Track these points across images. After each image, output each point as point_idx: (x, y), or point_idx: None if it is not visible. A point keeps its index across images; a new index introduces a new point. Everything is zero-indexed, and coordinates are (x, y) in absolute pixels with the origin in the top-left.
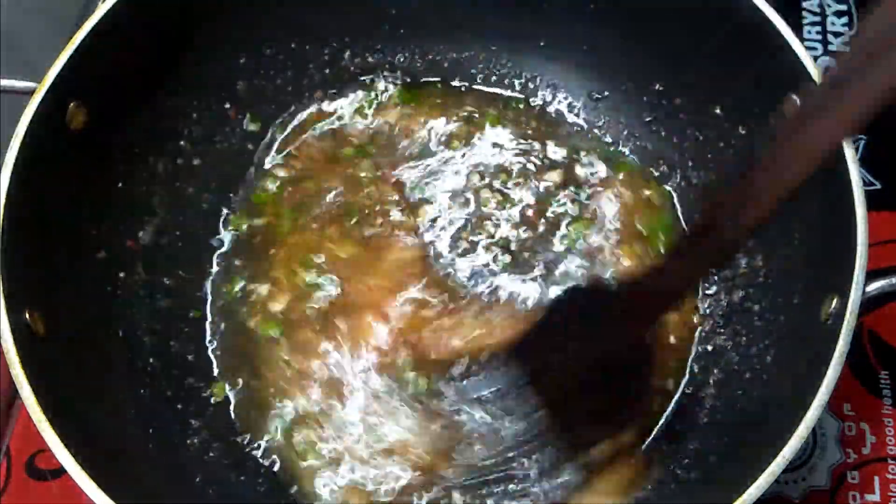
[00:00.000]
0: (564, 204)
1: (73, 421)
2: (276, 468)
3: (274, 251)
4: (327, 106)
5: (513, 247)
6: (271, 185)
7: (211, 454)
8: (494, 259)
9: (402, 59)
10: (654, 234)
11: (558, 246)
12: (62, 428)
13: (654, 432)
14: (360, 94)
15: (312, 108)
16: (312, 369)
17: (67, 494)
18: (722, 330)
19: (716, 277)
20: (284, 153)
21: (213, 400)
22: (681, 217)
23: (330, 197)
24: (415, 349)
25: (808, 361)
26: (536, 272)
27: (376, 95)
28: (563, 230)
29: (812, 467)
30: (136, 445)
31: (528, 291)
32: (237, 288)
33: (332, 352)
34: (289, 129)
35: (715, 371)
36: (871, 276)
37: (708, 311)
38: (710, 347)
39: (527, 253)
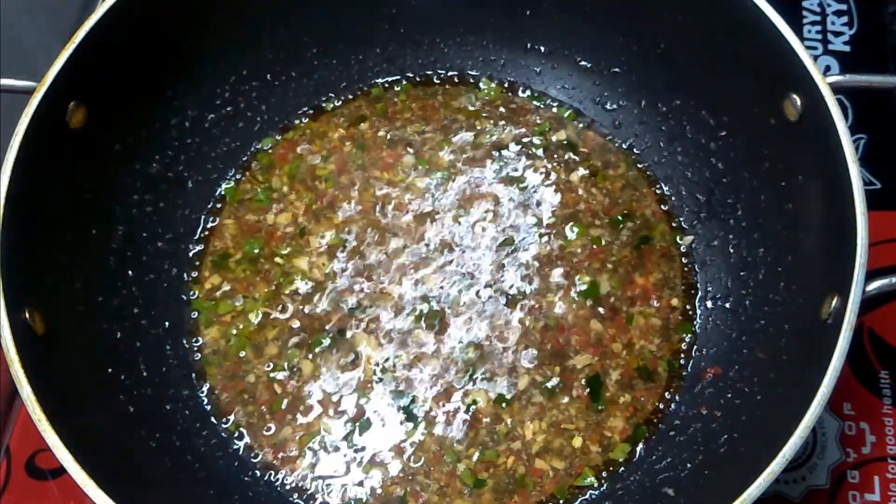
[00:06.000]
0: None
1: (73, 421)
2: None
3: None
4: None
5: None
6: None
7: (212, 452)
8: None
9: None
10: None
11: None
12: (62, 428)
13: (652, 430)
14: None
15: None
16: None
17: (67, 494)
18: (722, 329)
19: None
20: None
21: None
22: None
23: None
24: None
25: (808, 361)
26: None
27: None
28: None
29: (812, 467)
30: (136, 445)
31: None
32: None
33: None
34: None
35: (714, 369)
36: (871, 275)
37: (709, 309)
38: (710, 345)
39: None
